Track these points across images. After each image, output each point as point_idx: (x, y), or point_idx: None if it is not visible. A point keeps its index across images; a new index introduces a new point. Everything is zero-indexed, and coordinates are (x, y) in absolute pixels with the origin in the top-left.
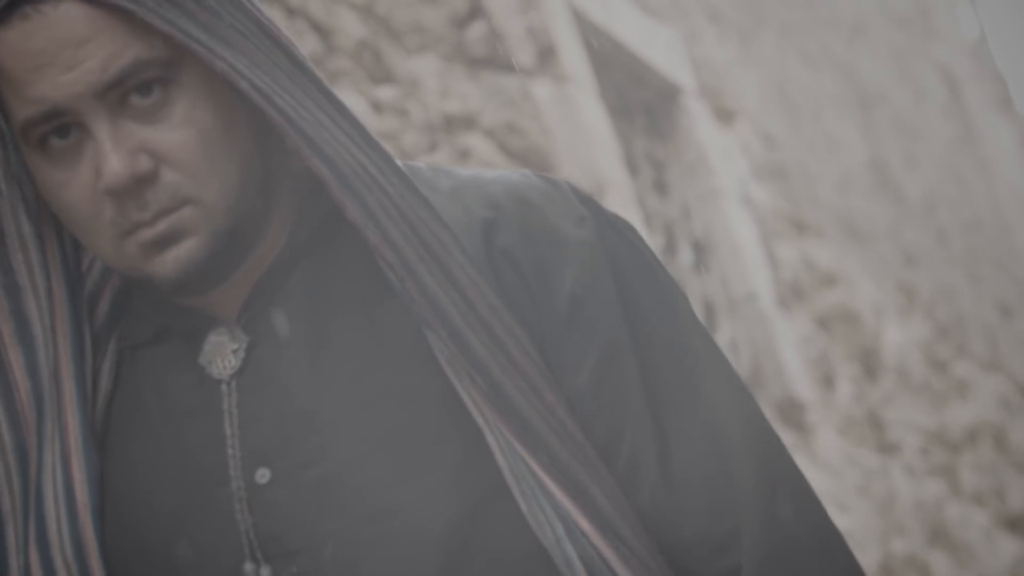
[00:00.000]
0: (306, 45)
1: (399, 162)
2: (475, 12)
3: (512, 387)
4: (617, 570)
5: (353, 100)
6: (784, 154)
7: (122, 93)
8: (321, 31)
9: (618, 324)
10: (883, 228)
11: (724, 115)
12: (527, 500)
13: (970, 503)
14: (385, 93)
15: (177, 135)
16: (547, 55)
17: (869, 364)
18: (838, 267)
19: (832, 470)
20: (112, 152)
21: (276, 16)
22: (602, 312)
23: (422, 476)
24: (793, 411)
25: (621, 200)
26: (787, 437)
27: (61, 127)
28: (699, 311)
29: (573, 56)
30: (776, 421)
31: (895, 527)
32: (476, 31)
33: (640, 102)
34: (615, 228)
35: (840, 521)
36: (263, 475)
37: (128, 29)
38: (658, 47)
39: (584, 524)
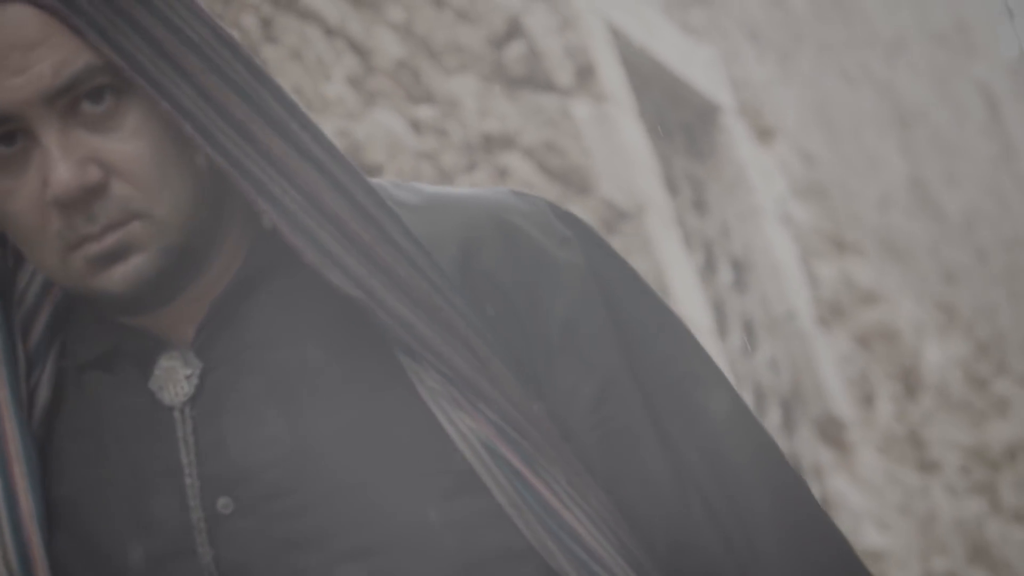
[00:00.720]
0: (345, 65)
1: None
2: (514, 32)
3: (506, 403)
4: None
5: (392, 119)
6: (823, 172)
7: (72, 99)
8: (360, 51)
9: (614, 349)
10: (923, 246)
11: (763, 134)
12: (532, 529)
13: (1011, 521)
14: (424, 113)
15: (129, 146)
16: (586, 74)
17: (909, 382)
18: (878, 285)
19: (872, 488)
20: (60, 161)
21: (314, 35)
22: (597, 338)
23: (405, 512)
24: (833, 429)
25: (660, 219)
26: (827, 455)
27: (7, 134)
28: (739, 330)
29: (612, 75)
30: (816, 439)
31: (936, 545)
32: (515, 51)
33: (679, 121)
34: (601, 248)
35: (881, 539)
36: (225, 505)
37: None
38: (697, 66)
39: (602, 552)
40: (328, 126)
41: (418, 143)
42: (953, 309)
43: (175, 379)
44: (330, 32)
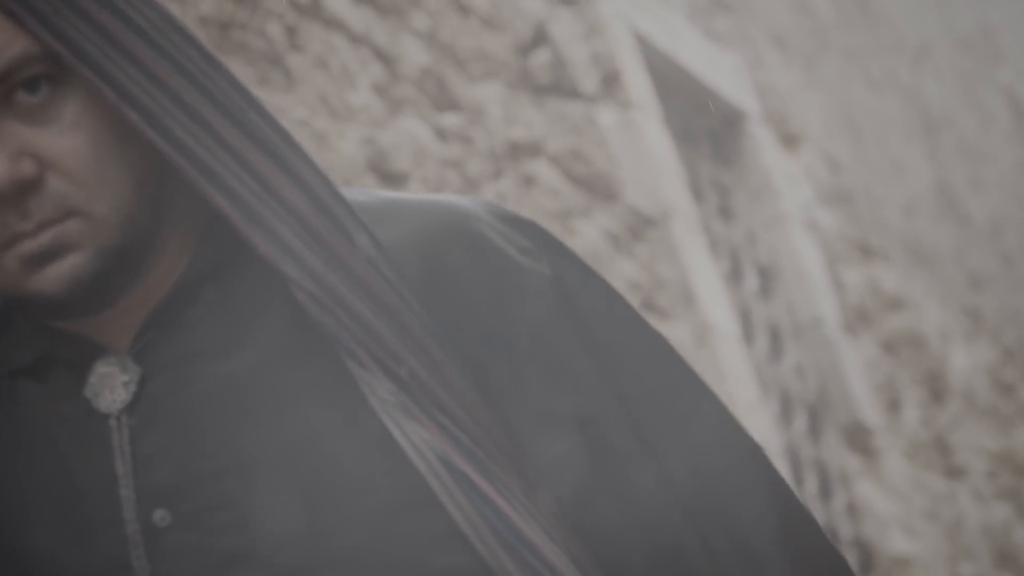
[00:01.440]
0: (370, 73)
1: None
2: (539, 39)
3: (461, 411)
4: None
5: (417, 127)
6: (849, 178)
7: (7, 89)
8: (385, 59)
9: (587, 358)
10: (948, 251)
11: (789, 140)
12: (487, 545)
13: None
14: (449, 120)
15: (66, 139)
16: (611, 81)
17: (935, 388)
18: (904, 291)
19: (899, 494)
20: None
21: (339, 44)
22: (569, 346)
23: (351, 528)
24: (860, 436)
25: (686, 226)
26: (854, 462)
27: None
28: (765, 336)
29: (638, 82)
30: (843, 445)
31: (962, 551)
32: (540, 58)
33: (705, 128)
34: (567, 257)
35: (907, 545)
36: (162, 518)
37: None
38: (722, 73)
39: (561, 566)
40: (353, 134)
41: (443, 151)
42: (979, 315)
43: (112, 385)
44: (355, 40)
